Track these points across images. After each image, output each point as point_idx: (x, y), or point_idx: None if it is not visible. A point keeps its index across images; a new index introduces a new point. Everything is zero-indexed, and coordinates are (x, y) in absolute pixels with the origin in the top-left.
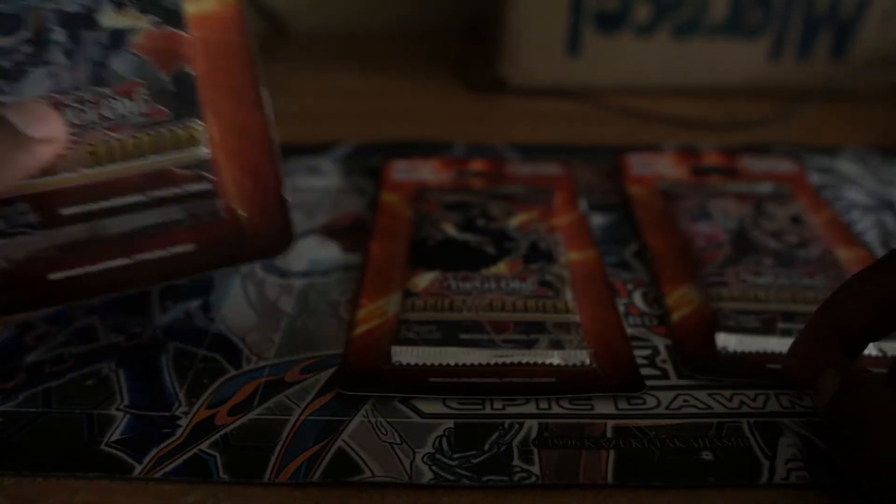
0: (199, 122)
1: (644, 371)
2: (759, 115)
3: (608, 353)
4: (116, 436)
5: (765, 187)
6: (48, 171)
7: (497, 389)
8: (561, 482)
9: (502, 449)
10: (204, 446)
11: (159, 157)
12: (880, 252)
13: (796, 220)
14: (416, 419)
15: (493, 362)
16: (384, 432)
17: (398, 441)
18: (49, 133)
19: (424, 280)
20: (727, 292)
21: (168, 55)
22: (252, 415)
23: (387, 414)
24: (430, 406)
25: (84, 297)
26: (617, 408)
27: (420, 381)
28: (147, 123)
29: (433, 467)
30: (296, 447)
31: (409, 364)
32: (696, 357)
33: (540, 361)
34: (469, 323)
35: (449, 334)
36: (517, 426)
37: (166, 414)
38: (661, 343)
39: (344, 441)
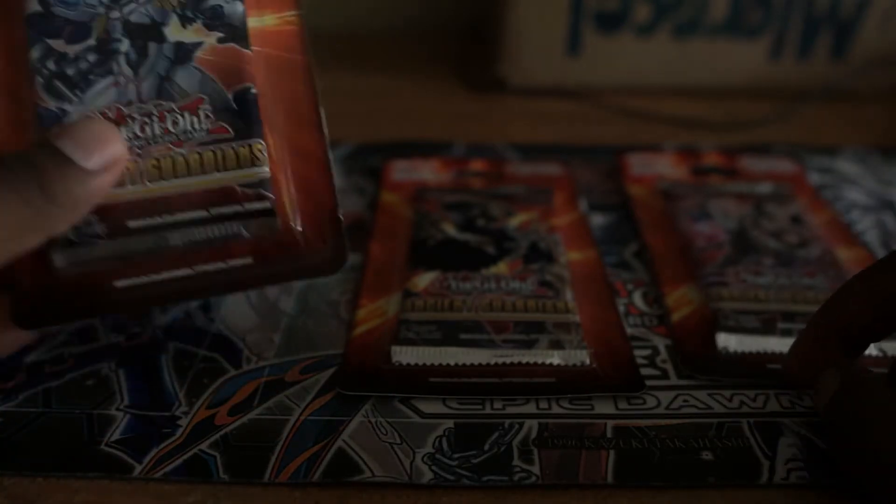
0: (261, 142)
1: (644, 371)
2: (759, 115)
3: (608, 353)
4: (116, 436)
5: (765, 187)
6: (116, 183)
7: (497, 389)
8: (561, 482)
9: (502, 449)
10: (204, 446)
11: (222, 175)
12: (880, 252)
13: (796, 220)
14: (416, 419)
15: (493, 362)
16: (384, 432)
17: (398, 441)
18: (106, 159)
19: (424, 280)
20: (727, 292)
21: (232, 72)
22: (252, 415)
23: (387, 414)
24: (430, 406)
25: (147, 305)
26: (617, 408)
27: (420, 381)
28: (210, 140)
29: (433, 467)
30: (296, 447)
31: (409, 364)
32: (696, 357)
33: (540, 361)
34: (469, 323)
35: (449, 334)
36: (517, 426)
37: (166, 414)
38: (661, 343)
39: (344, 441)
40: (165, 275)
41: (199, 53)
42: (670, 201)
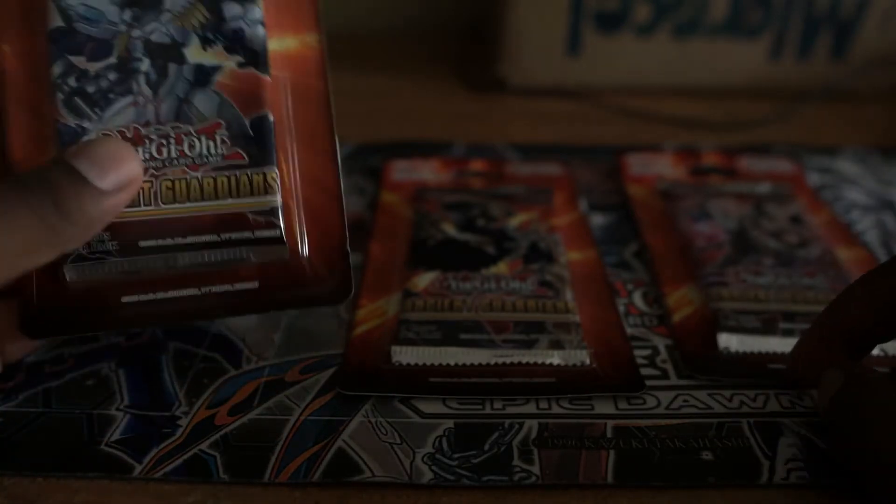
0: (275, 170)
1: (644, 371)
2: (759, 115)
3: (608, 353)
4: (116, 436)
5: (764, 187)
6: (131, 202)
7: (497, 389)
8: (561, 482)
9: (502, 449)
10: (204, 446)
11: (234, 201)
12: (880, 252)
13: (796, 220)
14: (416, 419)
15: (493, 362)
16: (384, 432)
17: (398, 441)
18: (121, 179)
19: (424, 280)
20: (727, 292)
21: (250, 99)
22: (252, 415)
23: (387, 414)
24: (430, 406)
25: (152, 323)
26: (617, 408)
27: (420, 381)
28: (225, 166)
29: (433, 467)
30: (296, 447)
31: (409, 364)
32: (697, 357)
33: (540, 361)
34: (469, 323)
35: (449, 334)
36: (517, 426)
37: (166, 414)
38: (661, 343)
39: (344, 441)
40: (172, 293)
41: (218, 77)
42: (670, 201)
